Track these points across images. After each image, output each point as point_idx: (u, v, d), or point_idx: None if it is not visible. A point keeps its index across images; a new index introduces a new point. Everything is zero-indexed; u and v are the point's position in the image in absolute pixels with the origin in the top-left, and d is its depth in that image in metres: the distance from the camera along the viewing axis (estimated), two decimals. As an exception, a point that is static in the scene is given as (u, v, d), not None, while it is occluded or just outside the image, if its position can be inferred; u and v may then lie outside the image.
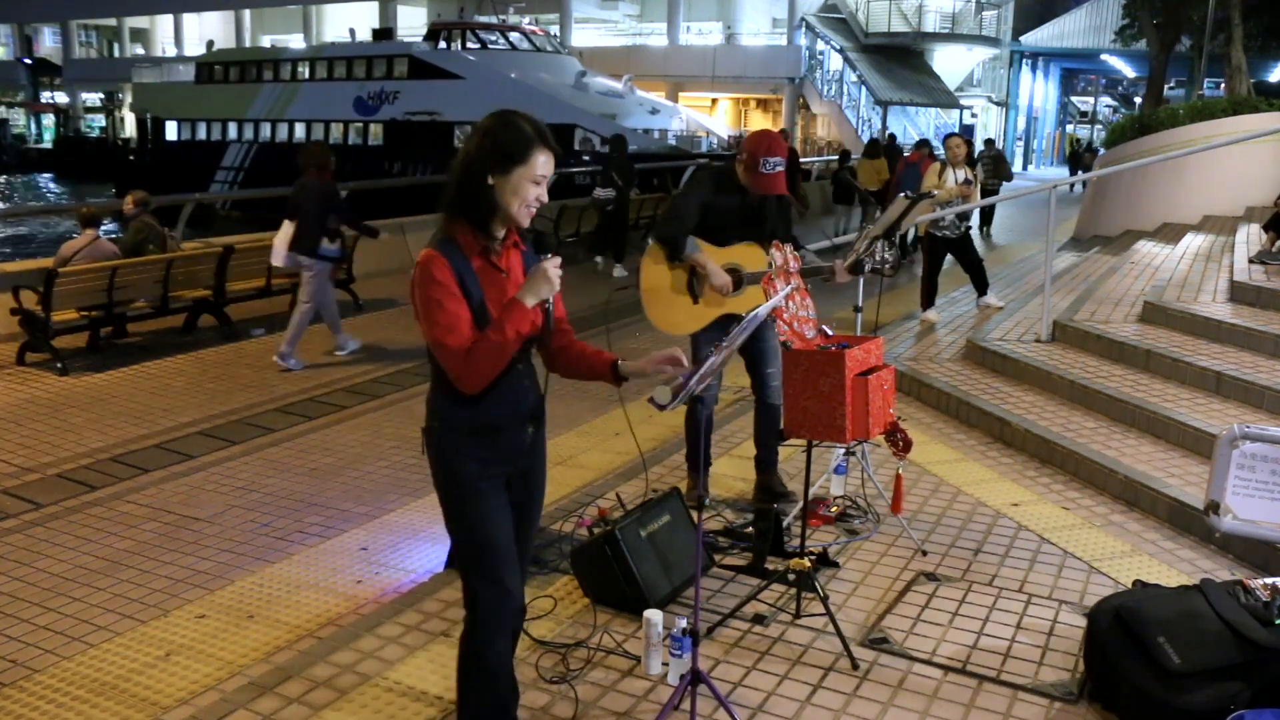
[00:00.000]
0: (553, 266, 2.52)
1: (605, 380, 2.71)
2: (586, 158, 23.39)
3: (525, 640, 3.53)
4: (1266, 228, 8.12)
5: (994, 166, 15.79)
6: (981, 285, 9.10)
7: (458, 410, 2.58)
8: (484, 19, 31.79)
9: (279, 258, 8.14)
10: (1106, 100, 51.95)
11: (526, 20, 34.45)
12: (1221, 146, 10.64)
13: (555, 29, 36.10)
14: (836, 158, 20.56)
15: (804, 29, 34.16)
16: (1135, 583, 3.62)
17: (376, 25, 36.12)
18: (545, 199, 2.56)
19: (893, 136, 21.02)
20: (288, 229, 8.05)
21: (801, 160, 22.96)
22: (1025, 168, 38.35)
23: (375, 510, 5.10)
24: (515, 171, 2.48)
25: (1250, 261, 7.70)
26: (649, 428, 6.22)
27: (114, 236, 9.42)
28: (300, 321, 8.03)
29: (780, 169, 4.40)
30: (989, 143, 20.49)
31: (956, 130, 21.31)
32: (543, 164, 2.51)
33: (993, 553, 4.43)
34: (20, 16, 52.88)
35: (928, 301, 8.90)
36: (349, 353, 8.42)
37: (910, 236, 12.92)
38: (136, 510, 5.10)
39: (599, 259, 13.37)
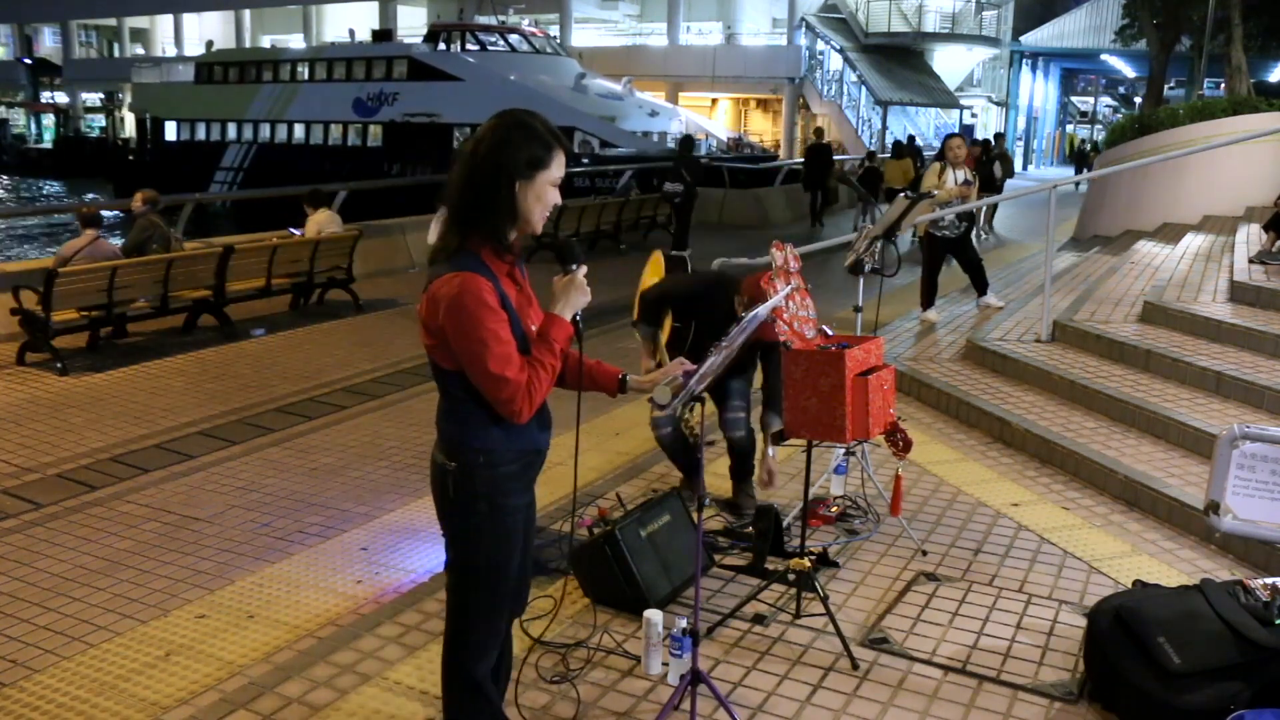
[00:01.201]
0: (582, 275, 2.45)
1: (607, 392, 2.67)
2: (585, 160, 23.46)
3: (525, 640, 3.54)
4: (1267, 228, 8.12)
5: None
6: (981, 285, 9.09)
7: (510, 442, 2.43)
8: (484, 20, 31.79)
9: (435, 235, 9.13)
10: (1106, 100, 51.92)
11: (526, 21, 34.45)
12: (1221, 146, 10.64)
13: (555, 29, 36.08)
14: (863, 157, 21.57)
15: (804, 29, 34.14)
16: (1135, 583, 3.62)
17: (377, 26, 36.12)
18: (559, 201, 2.46)
19: (912, 138, 21.91)
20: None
21: (798, 160, 24.12)
22: (1025, 168, 38.32)
23: (375, 510, 5.10)
24: (539, 176, 2.37)
25: (1250, 261, 7.70)
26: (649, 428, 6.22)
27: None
28: None
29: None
30: (999, 137, 21.05)
31: (957, 130, 21.85)
32: (560, 165, 2.41)
33: (993, 553, 4.43)
34: (20, 16, 52.83)
35: (927, 301, 8.90)
36: None
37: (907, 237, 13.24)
38: (136, 510, 5.10)
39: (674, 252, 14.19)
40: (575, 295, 2.44)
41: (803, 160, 19.20)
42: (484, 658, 2.62)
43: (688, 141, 15.21)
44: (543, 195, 2.39)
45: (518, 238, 2.45)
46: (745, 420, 4.74)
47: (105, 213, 9.85)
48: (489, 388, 2.33)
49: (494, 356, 2.29)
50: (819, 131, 21.46)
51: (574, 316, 2.46)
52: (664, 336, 4.81)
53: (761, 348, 4.54)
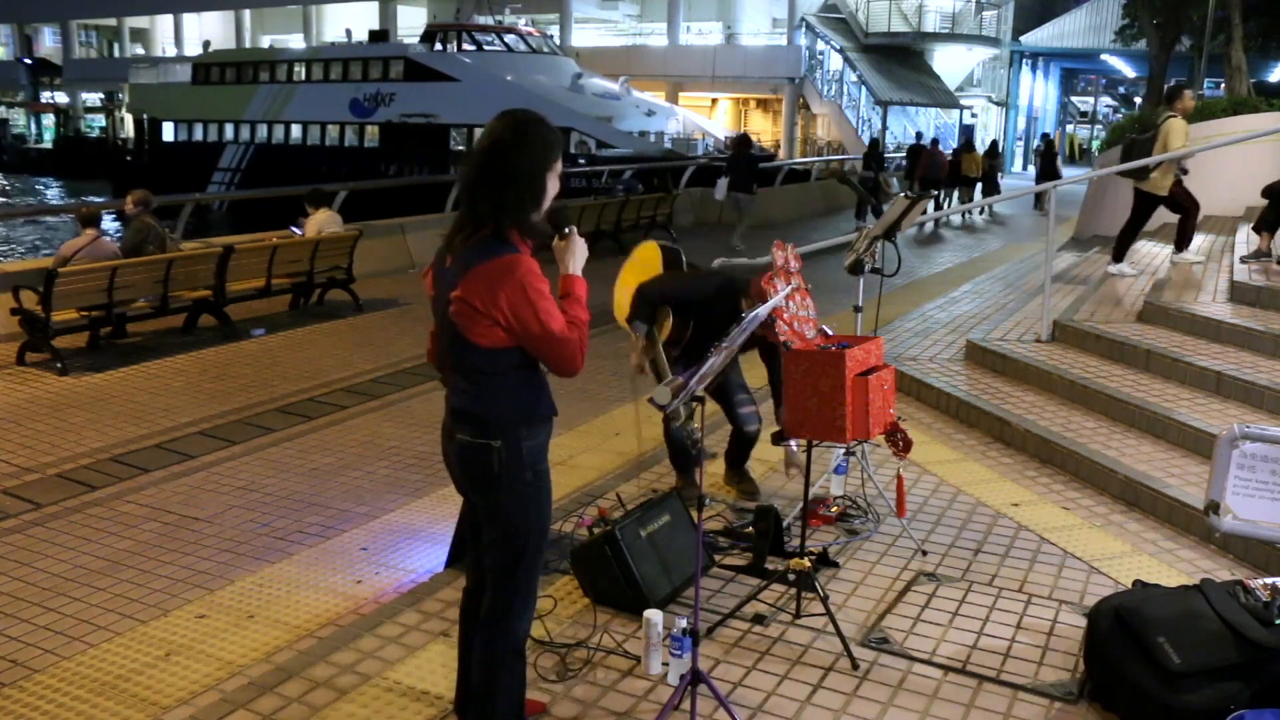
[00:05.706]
0: (577, 234, 2.69)
1: None
2: (582, 160, 23.55)
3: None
4: (1257, 228, 8.12)
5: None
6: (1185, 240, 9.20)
7: (539, 408, 2.66)
8: (482, 19, 31.78)
9: (722, 192, 14.61)
10: (1106, 100, 51.93)
11: (524, 21, 34.42)
12: (1221, 146, 10.63)
13: (555, 29, 36.09)
14: (953, 151, 24.64)
15: (804, 29, 34.14)
16: (1135, 583, 3.62)
17: (376, 26, 36.09)
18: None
19: (970, 136, 23.76)
20: (725, 179, 14.52)
21: (800, 160, 25.33)
22: (1026, 167, 38.34)
23: (375, 510, 5.10)
24: (555, 167, 2.62)
25: (1242, 261, 7.72)
26: (649, 428, 6.22)
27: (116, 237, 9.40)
28: (739, 229, 14.39)
29: None
30: (1045, 136, 23.54)
31: (966, 131, 23.20)
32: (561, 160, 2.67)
33: (993, 553, 4.43)
34: (20, 16, 52.81)
35: (1121, 254, 9.28)
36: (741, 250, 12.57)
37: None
38: (136, 510, 5.10)
39: (859, 223, 17.57)
40: (580, 253, 2.67)
41: (904, 156, 22.53)
42: (528, 617, 2.80)
43: (875, 143, 20.40)
44: (552, 186, 2.62)
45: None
46: (756, 413, 4.83)
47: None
48: (555, 350, 2.55)
49: (555, 319, 2.54)
50: (919, 135, 24.49)
51: None
52: (663, 334, 4.80)
53: (763, 346, 4.56)
